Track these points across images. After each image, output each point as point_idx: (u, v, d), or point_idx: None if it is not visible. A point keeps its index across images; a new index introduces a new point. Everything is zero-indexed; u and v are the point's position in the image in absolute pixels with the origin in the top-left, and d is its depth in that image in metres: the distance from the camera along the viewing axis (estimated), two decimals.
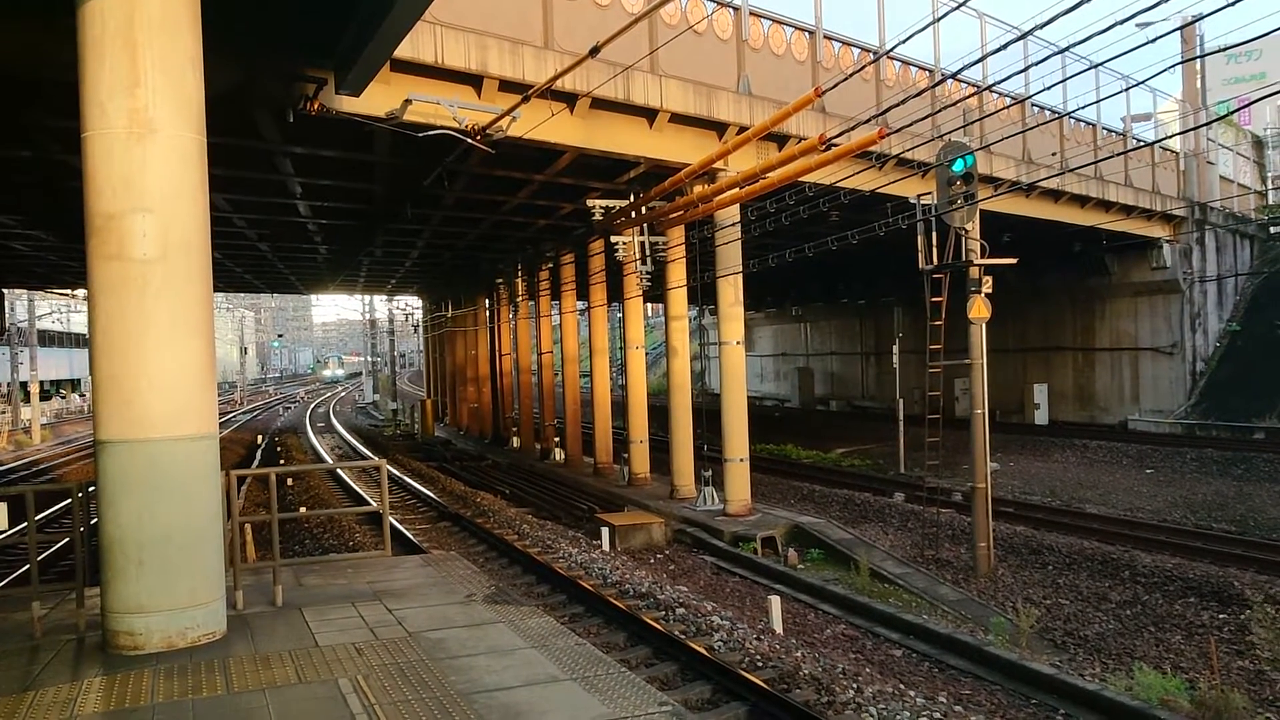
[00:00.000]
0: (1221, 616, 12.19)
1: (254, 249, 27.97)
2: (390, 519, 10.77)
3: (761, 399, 48.62)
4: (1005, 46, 9.27)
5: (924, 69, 20.26)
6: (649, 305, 55.75)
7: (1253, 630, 10.65)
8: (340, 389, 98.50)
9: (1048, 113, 23.17)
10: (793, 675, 8.82)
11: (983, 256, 15.08)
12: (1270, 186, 38.25)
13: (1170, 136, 27.10)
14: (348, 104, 12.04)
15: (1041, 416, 33.38)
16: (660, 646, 9.82)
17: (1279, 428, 26.56)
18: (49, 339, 53.56)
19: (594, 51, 10.58)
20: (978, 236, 15.13)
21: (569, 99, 14.38)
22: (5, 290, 38.84)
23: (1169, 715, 8.42)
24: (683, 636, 9.95)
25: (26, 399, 41.70)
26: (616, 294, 25.18)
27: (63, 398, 57.26)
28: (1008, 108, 20.33)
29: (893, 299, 35.73)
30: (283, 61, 11.15)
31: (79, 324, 55.81)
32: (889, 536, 16.97)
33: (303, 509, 18.96)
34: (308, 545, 16.03)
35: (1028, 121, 22.21)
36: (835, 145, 11.88)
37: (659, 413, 24.07)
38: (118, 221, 6.68)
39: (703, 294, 20.07)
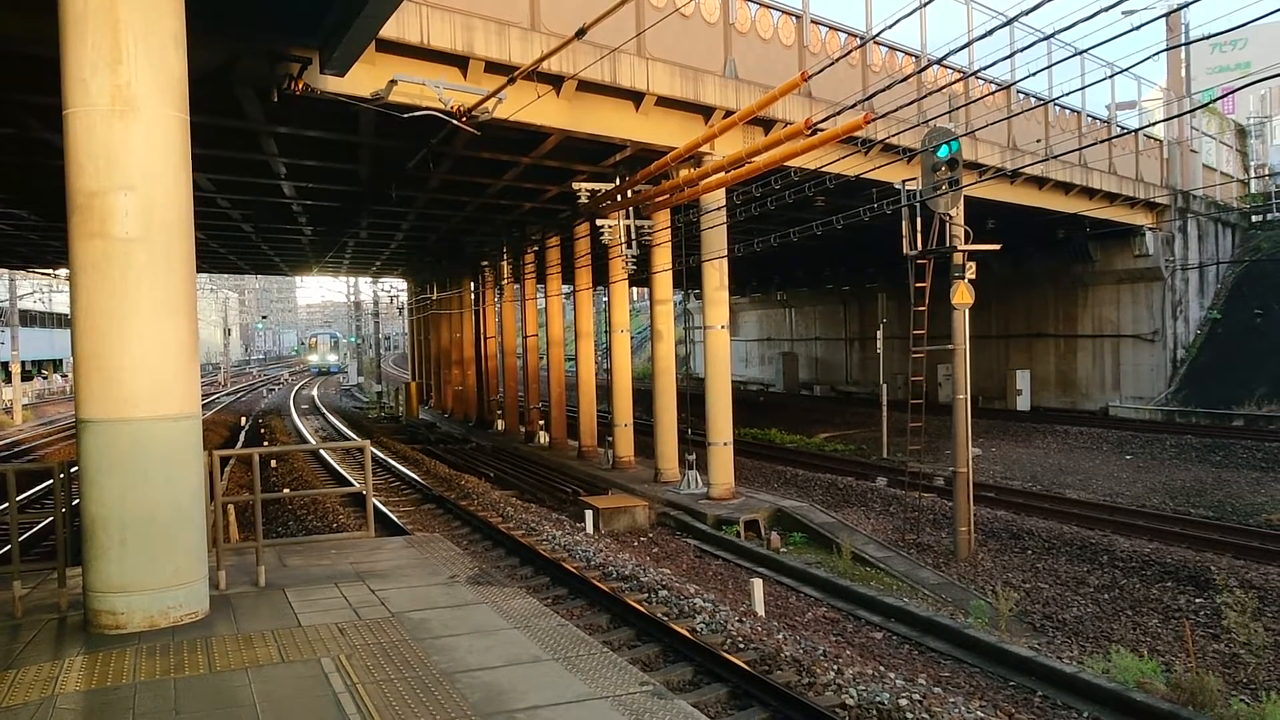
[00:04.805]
0: (1198, 601, 12.34)
1: (238, 229, 27.80)
2: (374, 500, 10.78)
3: (746, 384, 48.72)
4: (991, 33, 9.30)
5: (910, 54, 20.26)
6: (634, 289, 55.76)
7: (1226, 615, 10.79)
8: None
9: (1033, 99, 23.22)
10: (774, 657, 8.89)
11: (967, 242, 15.15)
12: (1252, 175, 38.48)
13: (1154, 124, 27.19)
14: (332, 84, 11.97)
15: (1024, 402, 33.59)
16: (643, 628, 9.87)
17: (1257, 415, 26.82)
18: (30, 319, 53.14)
19: (580, 33, 10.54)
20: (962, 222, 15.19)
21: (555, 81, 14.32)
22: None
23: (1145, 697, 8.54)
24: (665, 618, 10.00)
25: (8, 379, 41.38)
26: (602, 277, 25.20)
27: (44, 378, 56.87)
28: (993, 94, 20.37)
29: (877, 284, 35.84)
30: (267, 40, 11.08)
31: (60, 303, 55.42)
32: (871, 521, 17.07)
33: (286, 490, 18.93)
34: (291, 527, 16.01)
35: (1013, 108, 22.27)
36: (821, 130, 11.88)
37: (644, 396, 24.13)
38: (100, 199, 6.63)
39: (688, 278, 20.08)
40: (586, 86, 14.96)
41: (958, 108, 18.37)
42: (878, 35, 12.89)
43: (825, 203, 19.50)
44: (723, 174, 14.67)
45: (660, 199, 17.46)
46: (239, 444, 29.98)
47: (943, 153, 14.40)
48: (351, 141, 16.96)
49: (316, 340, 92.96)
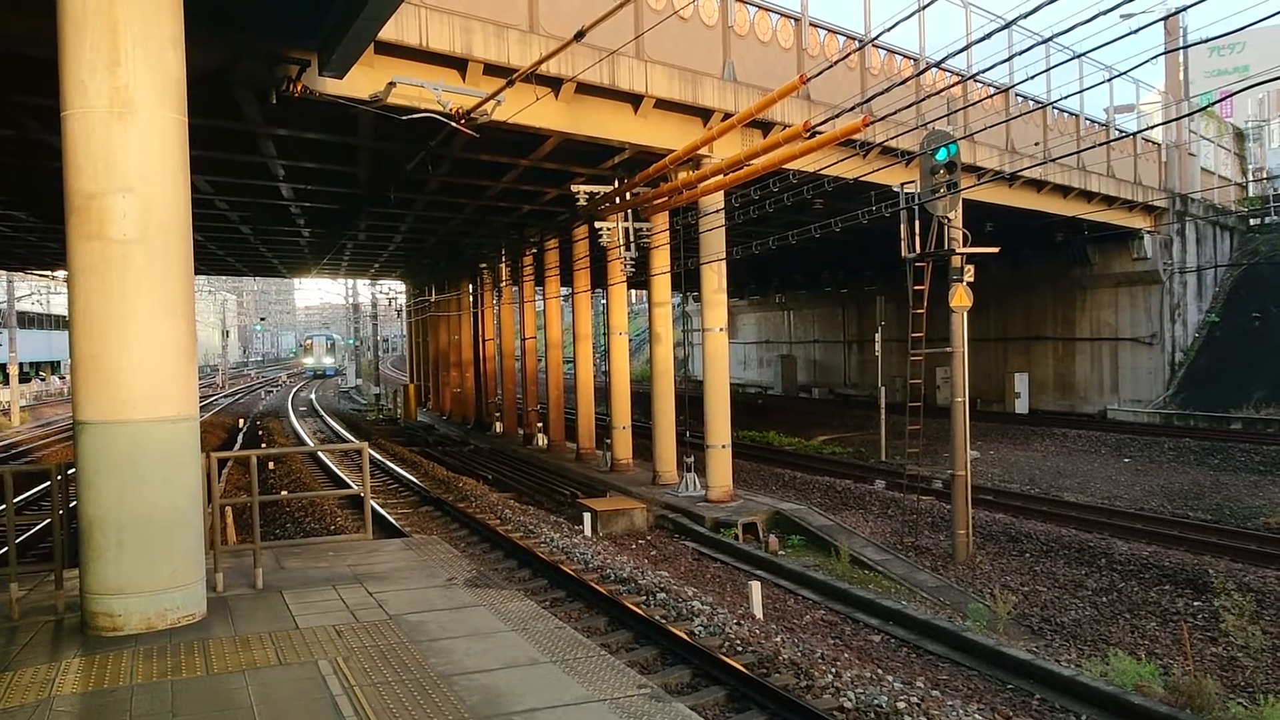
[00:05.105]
0: (1196, 604, 12.34)
1: (236, 231, 27.79)
2: (372, 503, 10.77)
3: (744, 386, 48.70)
4: (989, 36, 9.30)
5: (909, 57, 20.27)
6: (633, 291, 55.74)
7: (1224, 618, 10.79)
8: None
9: (1031, 102, 23.25)
10: (772, 660, 8.88)
11: (965, 245, 15.15)
12: (1250, 178, 38.51)
13: (1152, 127, 27.20)
14: (331, 86, 11.96)
15: (1022, 405, 33.58)
16: (641, 631, 9.86)
17: (1255, 418, 26.83)
18: (28, 320, 53.08)
19: (579, 36, 10.54)
20: (960, 225, 15.19)
21: (554, 83, 14.33)
22: None
23: (1143, 700, 8.53)
24: (663, 621, 10.00)
25: (5, 381, 41.35)
26: (600, 280, 25.17)
27: (42, 379, 56.78)
28: (991, 97, 20.37)
29: (875, 287, 35.84)
30: (265, 42, 11.08)
31: (58, 305, 55.29)
32: (869, 523, 17.06)
33: (284, 492, 18.91)
34: (289, 529, 15.99)
35: (1011, 111, 22.28)
36: (820, 133, 11.89)
37: (642, 399, 24.13)
38: (98, 201, 6.63)
39: (687, 281, 20.08)
40: (585, 89, 14.97)
41: (956, 111, 18.40)
42: (876, 38, 12.92)
43: (824, 205, 19.52)
44: (721, 176, 14.68)
45: (659, 201, 17.46)
46: (237, 446, 29.94)
47: (941, 156, 14.41)
48: (350, 144, 16.95)
49: (312, 342, 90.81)
